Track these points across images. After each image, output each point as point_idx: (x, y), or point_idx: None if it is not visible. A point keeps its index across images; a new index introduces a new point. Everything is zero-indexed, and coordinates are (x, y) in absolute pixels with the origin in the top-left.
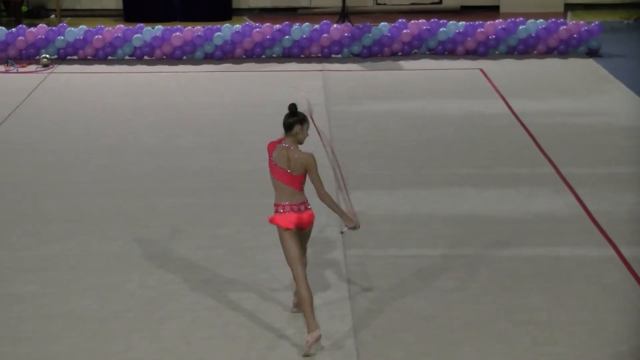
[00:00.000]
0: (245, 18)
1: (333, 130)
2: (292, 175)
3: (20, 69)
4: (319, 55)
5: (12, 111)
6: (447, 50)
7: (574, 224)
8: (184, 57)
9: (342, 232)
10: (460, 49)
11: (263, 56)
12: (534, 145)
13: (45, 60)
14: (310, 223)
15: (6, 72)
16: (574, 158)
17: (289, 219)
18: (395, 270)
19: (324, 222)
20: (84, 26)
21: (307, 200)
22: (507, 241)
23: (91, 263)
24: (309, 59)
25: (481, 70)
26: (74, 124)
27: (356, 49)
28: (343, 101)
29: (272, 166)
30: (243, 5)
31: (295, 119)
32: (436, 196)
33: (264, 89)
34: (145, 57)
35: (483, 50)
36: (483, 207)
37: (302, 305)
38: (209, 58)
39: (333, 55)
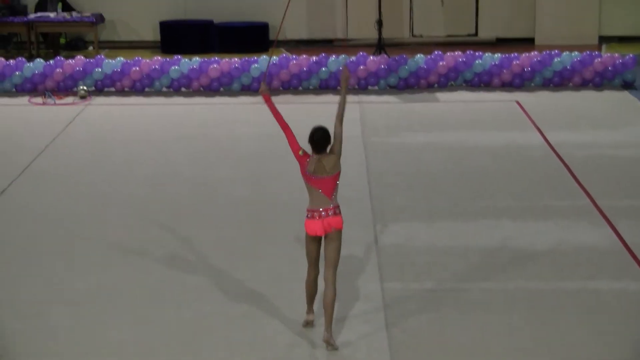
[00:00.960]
0: (282, 50)
1: (370, 162)
2: (328, 179)
3: (58, 101)
4: (356, 87)
5: (49, 142)
6: (483, 82)
7: (612, 256)
8: (221, 89)
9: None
10: (496, 80)
11: (300, 88)
12: (570, 177)
13: (82, 92)
14: (338, 227)
15: (44, 104)
16: (611, 190)
17: (314, 225)
18: (433, 303)
19: (361, 256)
20: (122, 58)
21: (338, 206)
22: (546, 274)
23: (127, 295)
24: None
25: (517, 102)
26: (111, 155)
27: (393, 80)
28: (380, 133)
29: (307, 176)
30: (280, 37)
31: (325, 138)
32: (474, 228)
33: (300, 120)
34: (183, 89)
35: (519, 82)
36: (521, 239)
37: (306, 296)
38: (246, 90)
39: (370, 87)
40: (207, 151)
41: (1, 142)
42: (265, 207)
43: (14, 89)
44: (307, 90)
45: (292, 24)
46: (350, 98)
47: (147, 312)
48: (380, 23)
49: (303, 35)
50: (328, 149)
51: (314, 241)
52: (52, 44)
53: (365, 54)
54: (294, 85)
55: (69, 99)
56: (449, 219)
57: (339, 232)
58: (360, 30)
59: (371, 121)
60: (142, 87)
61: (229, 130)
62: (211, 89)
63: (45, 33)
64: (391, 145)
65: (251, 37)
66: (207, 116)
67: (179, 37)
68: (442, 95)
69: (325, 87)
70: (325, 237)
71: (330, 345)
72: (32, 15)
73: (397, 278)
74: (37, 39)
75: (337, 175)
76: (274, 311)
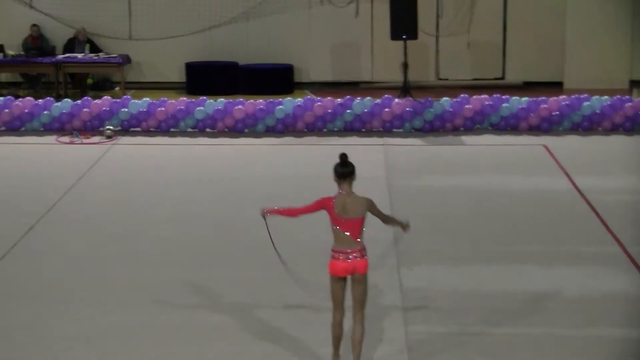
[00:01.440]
0: (307, 92)
1: (394, 205)
2: (355, 220)
3: (85, 140)
4: (381, 129)
5: (75, 181)
6: (509, 125)
7: None
8: (246, 130)
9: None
10: (523, 124)
11: (324, 130)
12: (599, 223)
13: (109, 131)
14: (364, 269)
15: (71, 143)
16: None
17: (338, 266)
18: (458, 347)
19: (385, 299)
20: (148, 99)
21: (364, 248)
22: (572, 320)
23: (152, 334)
24: (370, 133)
25: (544, 146)
26: (136, 194)
27: (418, 123)
28: (404, 175)
29: (335, 217)
30: (305, 79)
31: (351, 169)
32: (499, 272)
33: (325, 162)
34: (208, 130)
35: (546, 126)
36: (547, 285)
37: (332, 340)
38: (271, 131)
39: (394, 130)
40: (230, 192)
41: (29, 180)
42: (290, 248)
43: (42, 128)
44: (331, 132)
45: (317, 66)
46: (375, 140)
47: (170, 351)
48: (405, 66)
49: (328, 77)
50: (352, 184)
51: (339, 282)
52: (79, 84)
53: (390, 96)
54: (319, 127)
55: (96, 139)
56: (474, 263)
57: (365, 275)
58: (386, 73)
59: (396, 164)
60: (167, 127)
61: (252, 171)
62: (236, 130)
63: (73, 73)
64: (416, 188)
65: (276, 79)
66: (232, 157)
67: (205, 78)
68: (467, 139)
69: (350, 129)
70: (351, 279)
71: None
72: (60, 56)
73: (421, 321)
74: (65, 80)
75: (363, 219)
76: (297, 352)
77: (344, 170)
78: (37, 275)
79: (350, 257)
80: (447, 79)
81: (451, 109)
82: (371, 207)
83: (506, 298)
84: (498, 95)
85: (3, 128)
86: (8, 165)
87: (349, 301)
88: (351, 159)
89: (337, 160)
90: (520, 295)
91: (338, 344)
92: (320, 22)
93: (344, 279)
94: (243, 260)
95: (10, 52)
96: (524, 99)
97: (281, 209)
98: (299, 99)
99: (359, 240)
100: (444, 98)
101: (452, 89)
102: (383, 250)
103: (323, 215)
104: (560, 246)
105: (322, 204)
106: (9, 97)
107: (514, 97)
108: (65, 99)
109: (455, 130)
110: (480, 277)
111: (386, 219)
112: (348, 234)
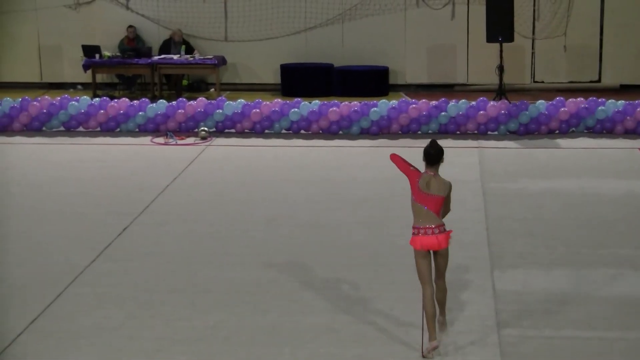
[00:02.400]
0: (402, 94)
1: (488, 207)
2: (437, 197)
3: (179, 142)
4: (476, 132)
5: (170, 182)
6: (605, 129)
7: None
8: (340, 132)
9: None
10: (619, 128)
11: (419, 132)
12: None
13: (203, 133)
14: (447, 243)
15: (166, 144)
16: None
17: (424, 241)
18: (550, 351)
19: (479, 301)
20: (243, 100)
21: (444, 224)
22: None
23: (244, 335)
24: (465, 135)
25: None
26: (230, 196)
27: (513, 126)
28: (499, 178)
29: (418, 192)
30: (400, 81)
31: (440, 153)
32: (594, 276)
33: (419, 164)
34: (302, 131)
35: None
36: None
37: (427, 319)
38: (365, 133)
39: (489, 132)
40: (325, 194)
41: (124, 180)
42: (382, 251)
43: (137, 129)
44: (426, 135)
45: (413, 68)
46: (469, 143)
47: (262, 352)
48: (501, 68)
49: (423, 79)
50: (439, 168)
51: (424, 257)
52: (175, 85)
53: (485, 99)
54: (413, 130)
55: (190, 140)
56: (568, 267)
57: (447, 248)
58: (481, 75)
59: (490, 166)
60: (261, 129)
61: (347, 173)
62: (330, 132)
63: (168, 75)
64: (510, 191)
65: (371, 81)
66: (326, 159)
67: (300, 80)
68: (563, 142)
69: (445, 131)
70: (435, 252)
71: (443, 326)
72: (156, 58)
73: (514, 324)
74: (160, 81)
75: (444, 198)
76: (390, 353)
77: (434, 153)
78: (130, 276)
79: (434, 231)
80: (542, 82)
81: (546, 112)
82: (450, 190)
83: (601, 302)
84: (594, 98)
85: (98, 129)
86: (103, 166)
87: None
88: (446, 161)
89: (430, 144)
90: (614, 299)
91: (433, 323)
92: (415, 24)
93: (429, 253)
94: (336, 262)
95: (107, 53)
96: (620, 102)
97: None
98: (394, 101)
99: (440, 216)
100: (540, 101)
101: (548, 92)
102: (476, 253)
103: None
104: None
105: (411, 173)
106: (104, 97)
107: (610, 100)
108: (161, 100)
109: (551, 133)
110: (575, 281)
111: (446, 209)
112: (429, 209)
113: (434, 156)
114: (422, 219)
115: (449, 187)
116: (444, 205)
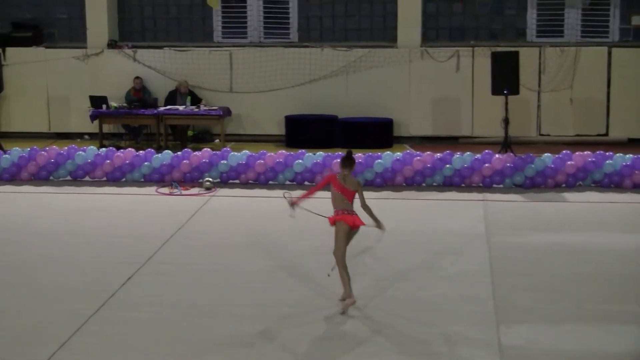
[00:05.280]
0: (406, 146)
1: (493, 261)
2: (350, 190)
3: (184, 192)
4: (481, 184)
5: (174, 232)
6: (613, 183)
7: None
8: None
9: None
10: (627, 182)
11: (423, 184)
12: None
13: (208, 183)
14: (359, 223)
15: (170, 194)
16: None
17: (346, 218)
18: None
19: (484, 357)
20: (247, 151)
21: (353, 210)
22: None
23: None
24: (470, 188)
25: None
26: (234, 246)
27: (518, 179)
28: (504, 232)
29: (338, 185)
30: (404, 133)
31: (353, 161)
32: (600, 332)
33: (423, 217)
34: (306, 183)
35: None
36: None
37: (342, 280)
38: (369, 185)
39: (495, 185)
40: (328, 245)
41: (128, 230)
42: (385, 305)
43: (142, 179)
44: (430, 187)
45: (417, 121)
46: (474, 196)
47: None
48: (506, 121)
49: (428, 132)
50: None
51: (346, 230)
52: (180, 136)
53: (490, 151)
54: (418, 182)
55: (195, 190)
56: (575, 322)
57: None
58: (486, 128)
59: (496, 220)
60: (266, 180)
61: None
62: None
63: (174, 125)
64: (516, 245)
65: (375, 133)
66: (329, 210)
67: (304, 131)
68: (569, 196)
69: (450, 184)
70: (350, 229)
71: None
72: (161, 108)
73: None
74: (165, 131)
75: (355, 192)
76: None
77: (348, 158)
78: (134, 325)
79: (350, 213)
80: (549, 135)
81: (553, 165)
82: (359, 187)
83: (607, 358)
84: (601, 152)
85: (104, 179)
86: (108, 215)
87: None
88: (449, 214)
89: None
90: (621, 356)
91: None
92: (420, 77)
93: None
94: (335, 313)
95: (114, 104)
96: (628, 155)
97: (303, 194)
98: (398, 153)
99: (352, 204)
100: (546, 154)
101: (554, 145)
102: (481, 307)
103: None
104: None
105: (328, 179)
106: (110, 147)
107: (617, 154)
108: (166, 151)
109: (557, 187)
110: (582, 337)
111: (364, 205)
112: (345, 198)
113: (349, 160)
114: (340, 205)
115: (357, 183)
116: (360, 198)
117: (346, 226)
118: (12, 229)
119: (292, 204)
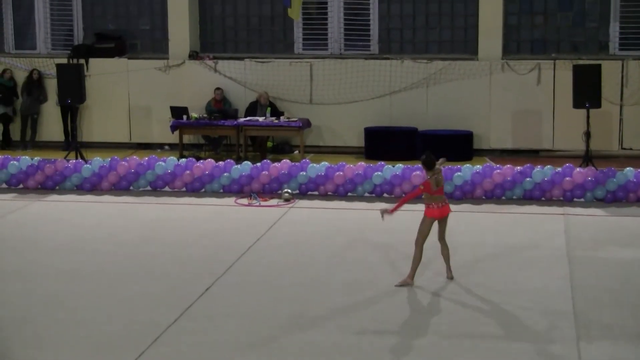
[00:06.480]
0: (486, 159)
1: (574, 276)
2: (440, 188)
3: (263, 203)
4: (561, 198)
5: (253, 243)
6: None
7: None
8: (422, 196)
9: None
10: None
11: (503, 197)
12: None
13: (287, 194)
14: (449, 212)
15: (249, 205)
16: None
17: (437, 212)
18: None
19: None
20: (326, 163)
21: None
22: None
23: None
24: (550, 202)
25: None
26: (312, 258)
27: (600, 193)
28: (586, 246)
29: (433, 191)
30: (484, 146)
31: (433, 158)
32: None
33: (503, 230)
34: (385, 195)
35: None
36: None
37: (413, 260)
38: (449, 198)
39: (575, 199)
40: (406, 258)
41: (207, 240)
42: (461, 315)
43: (221, 190)
44: (510, 200)
45: (497, 133)
46: (554, 210)
47: None
48: (588, 135)
49: (508, 144)
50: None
51: (431, 223)
52: (259, 147)
53: (571, 165)
54: (497, 195)
55: (274, 201)
56: None
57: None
58: (567, 141)
59: (576, 234)
60: (345, 191)
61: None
62: None
63: (253, 137)
64: (597, 260)
65: (455, 145)
66: (410, 223)
67: (383, 143)
68: None
69: (530, 197)
70: (440, 220)
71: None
72: (242, 119)
73: None
74: (245, 142)
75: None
76: None
77: (430, 162)
78: (211, 335)
79: (443, 205)
80: (631, 149)
81: (635, 180)
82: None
83: None
84: None
85: (184, 189)
86: (187, 225)
87: None
88: (530, 228)
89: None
90: None
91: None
92: (500, 89)
93: (433, 220)
94: (414, 327)
95: (194, 115)
96: None
97: (396, 204)
98: (478, 166)
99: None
100: (628, 168)
101: (636, 159)
102: (562, 322)
103: None
104: None
105: (420, 188)
106: (190, 158)
107: None
108: (245, 162)
109: (639, 202)
110: None
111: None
112: (440, 195)
113: (430, 161)
114: (435, 201)
115: (442, 177)
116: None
117: (432, 220)
118: (94, 239)
119: (385, 212)
